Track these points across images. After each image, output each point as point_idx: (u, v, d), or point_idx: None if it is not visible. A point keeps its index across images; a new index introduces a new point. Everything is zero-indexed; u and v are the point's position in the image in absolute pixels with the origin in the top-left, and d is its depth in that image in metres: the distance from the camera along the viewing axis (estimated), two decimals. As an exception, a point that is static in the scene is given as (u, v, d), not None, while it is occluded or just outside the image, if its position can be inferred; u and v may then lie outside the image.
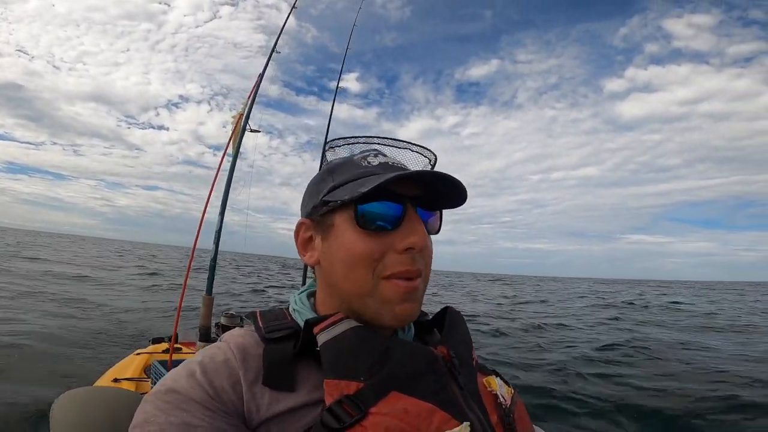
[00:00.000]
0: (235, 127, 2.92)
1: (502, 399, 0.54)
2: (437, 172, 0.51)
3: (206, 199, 2.67)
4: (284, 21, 3.53)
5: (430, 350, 0.51)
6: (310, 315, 0.54)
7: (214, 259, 2.80)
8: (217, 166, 2.79)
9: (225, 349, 0.49)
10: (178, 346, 2.68)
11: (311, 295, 0.61)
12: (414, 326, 0.62)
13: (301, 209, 0.60)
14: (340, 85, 3.86)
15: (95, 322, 6.23)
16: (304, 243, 0.58)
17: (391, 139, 0.66)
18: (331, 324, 0.50)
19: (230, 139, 2.92)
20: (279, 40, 3.37)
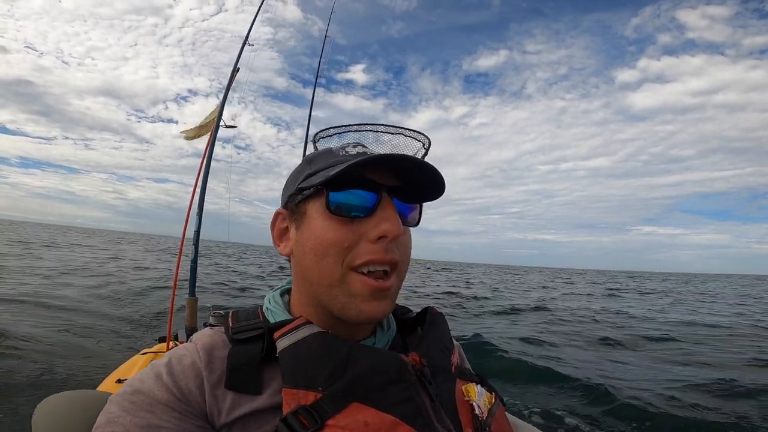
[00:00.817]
0: (211, 122, 2.86)
1: (478, 410, 0.51)
2: (407, 156, 0.49)
3: (191, 197, 2.62)
4: (256, 13, 3.44)
5: (398, 357, 0.48)
6: (283, 314, 0.54)
7: (194, 261, 2.75)
8: (200, 165, 2.72)
9: (192, 350, 0.49)
10: (179, 344, 2.66)
11: (286, 292, 0.59)
12: (397, 324, 0.60)
13: (281, 200, 0.59)
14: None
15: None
16: (279, 233, 0.56)
17: (382, 125, 0.64)
18: (292, 329, 0.48)
19: (209, 137, 2.86)
20: (251, 33, 3.29)
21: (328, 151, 0.55)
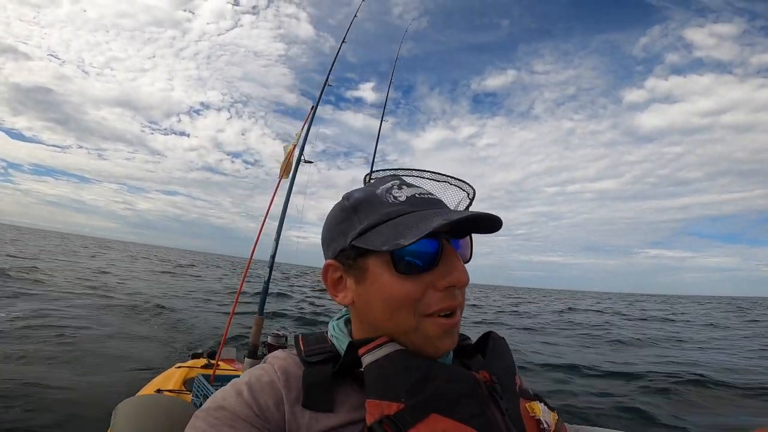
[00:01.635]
0: (289, 158, 3.08)
1: (545, 425, 0.54)
2: (476, 215, 0.50)
3: (260, 227, 2.85)
4: (335, 55, 3.69)
5: (471, 374, 0.52)
6: (347, 341, 0.55)
7: (267, 282, 2.99)
8: (271, 197, 2.95)
9: (270, 370, 0.52)
10: (212, 361, 2.85)
11: (348, 322, 0.61)
12: (458, 350, 0.62)
13: (324, 246, 0.59)
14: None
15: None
16: (334, 284, 0.57)
17: (430, 172, 0.66)
18: (376, 347, 0.51)
19: (282, 170, 3.08)
20: (331, 72, 3.55)
21: (374, 198, 0.54)
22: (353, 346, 0.52)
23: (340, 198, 0.59)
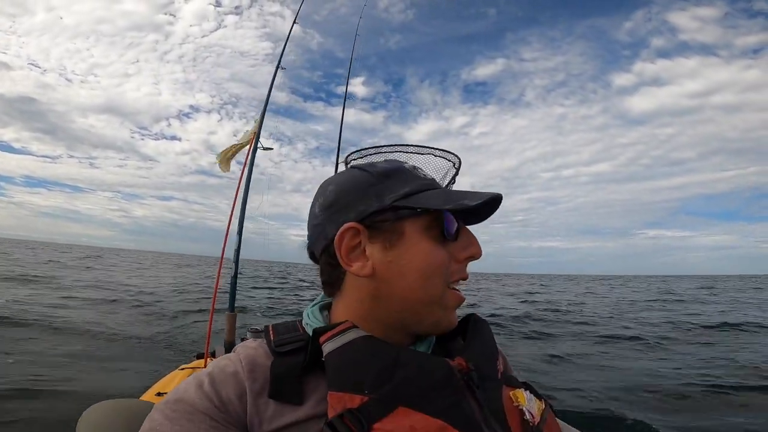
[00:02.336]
0: (249, 146, 2.98)
1: (529, 416, 0.49)
2: (496, 196, 0.52)
3: (229, 217, 2.75)
4: (287, 37, 3.57)
5: (445, 362, 0.48)
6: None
7: (234, 276, 2.90)
8: (237, 187, 2.86)
9: (234, 360, 0.49)
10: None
11: (324, 308, 0.58)
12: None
13: (335, 212, 0.53)
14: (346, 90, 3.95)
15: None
16: (350, 250, 0.51)
17: (413, 145, 0.65)
18: (338, 333, 0.48)
19: (246, 158, 2.98)
20: (283, 56, 3.42)
21: (402, 169, 0.55)
22: (316, 334, 0.48)
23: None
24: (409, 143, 0.67)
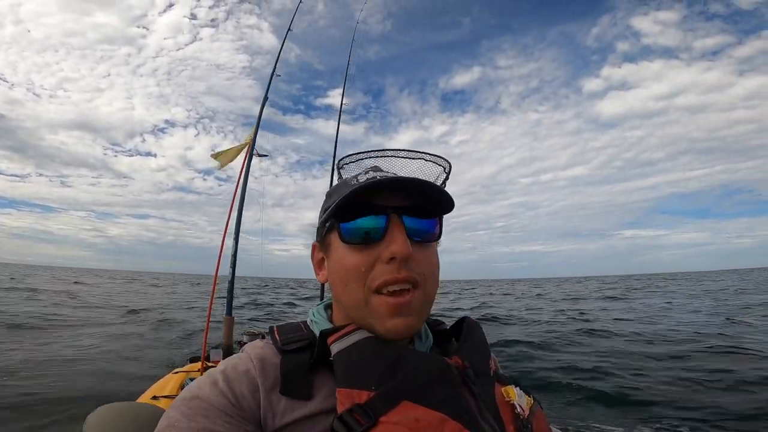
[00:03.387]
0: (246, 153, 3.02)
1: (520, 409, 0.54)
2: (400, 177, 0.53)
3: (225, 227, 2.78)
4: (281, 44, 3.64)
5: (443, 359, 0.52)
6: (327, 325, 0.57)
7: (231, 282, 2.93)
8: (233, 194, 2.89)
9: (245, 359, 0.53)
10: (211, 364, 2.81)
11: (328, 307, 0.63)
12: (433, 336, 0.63)
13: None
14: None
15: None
16: (318, 264, 0.62)
17: (404, 150, 0.66)
18: (345, 334, 0.52)
19: (243, 165, 3.02)
20: (277, 64, 3.49)
21: (344, 183, 0.59)
22: (323, 335, 0.53)
23: (320, 207, 0.64)
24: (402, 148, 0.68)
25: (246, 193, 3.02)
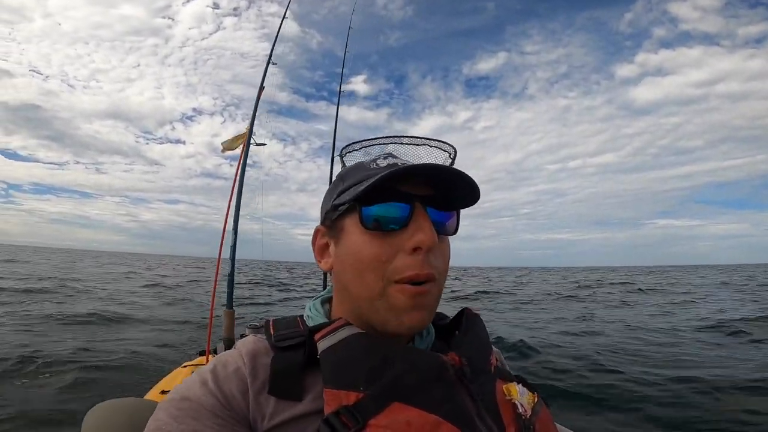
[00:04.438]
0: (243, 142, 2.98)
1: (521, 409, 0.50)
2: (437, 165, 0.49)
3: (225, 215, 2.74)
4: (277, 32, 3.56)
5: (438, 357, 0.48)
6: (323, 321, 0.54)
7: (231, 273, 2.88)
8: (233, 183, 2.84)
9: (236, 356, 0.50)
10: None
11: (326, 301, 0.60)
12: (435, 330, 0.60)
13: (320, 217, 0.59)
14: (347, 88, 3.97)
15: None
16: (320, 250, 0.58)
17: (407, 137, 0.63)
18: (332, 330, 0.49)
19: (241, 155, 2.98)
20: (274, 51, 3.42)
21: (359, 166, 0.56)
22: (312, 332, 0.49)
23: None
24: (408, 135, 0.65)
25: (246, 185, 2.97)
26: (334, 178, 0.59)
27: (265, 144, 3.14)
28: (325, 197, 0.59)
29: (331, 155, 3.41)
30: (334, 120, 3.71)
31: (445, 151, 0.63)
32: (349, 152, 0.66)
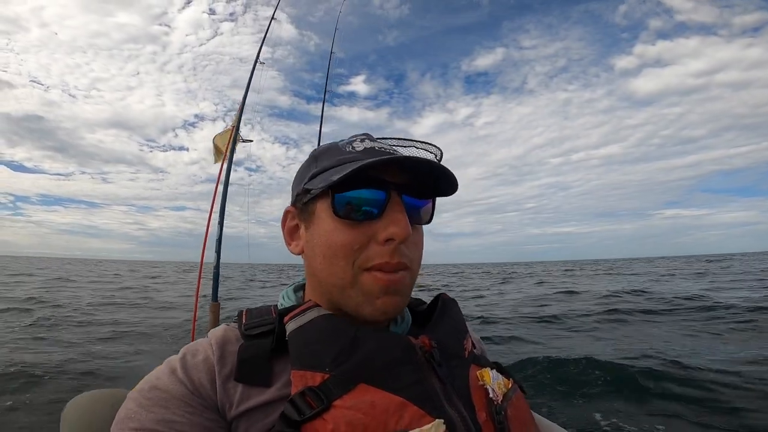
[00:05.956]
0: (229, 139, 3.02)
1: (492, 394, 0.49)
2: (418, 157, 0.49)
3: (209, 212, 2.77)
4: (265, 32, 3.64)
5: (406, 339, 0.48)
6: None
7: (216, 267, 2.92)
8: (217, 180, 2.88)
9: (206, 345, 0.50)
10: None
11: (300, 288, 0.60)
12: (413, 316, 0.60)
13: (291, 197, 0.58)
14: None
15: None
16: (290, 232, 0.57)
17: (394, 138, 0.63)
18: (300, 312, 0.49)
19: (225, 152, 3.02)
20: (261, 52, 3.49)
21: (334, 147, 0.55)
22: (281, 315, 0.50)
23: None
24: (412, 137, 0.60)
25: (227, 192, 3.01)
26: (306, 161, 0.58)
27: (251, 141, 3.19)
28: (296, 176, 0.58)
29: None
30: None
31: (431, 153, 0.61)
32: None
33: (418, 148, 0.62)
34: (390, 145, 0.59)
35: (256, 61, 3.42)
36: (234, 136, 3.11)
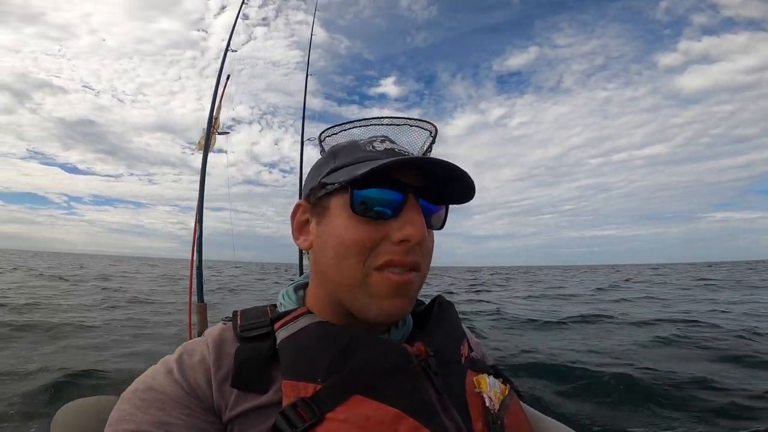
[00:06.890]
0: (210, 132, 2.93)
1: (489, 402, 0.48)
2: (440, 159, 0.47)
3: (197, 208, 2.66)
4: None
5: (402, 347, 0.47)
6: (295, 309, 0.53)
7: (199, 267, 2.81)
8: (200, 174, 2.77)
9: (202, 345, 0.49)
10: None
11: (301, 287, 0.58)
12: (413, 320, 0.59)
13: (303, 192, 0.57)
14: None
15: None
16: (300, 226, 0.55)
17: (387, 117, 0.63)
18: (292, 319, 0.48)
19: (203, 144, 2.92)
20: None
21: (354, 145, 0.54)
22: (273, 322, 0.49)
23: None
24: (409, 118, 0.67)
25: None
26: (321, 157, 0.57)
27: (227, 132, 3.08)
28: (311, 171, 0.57)
29: (300, 139, 3.40)
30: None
31: (425, 129, 0.62)
32: (329, 136, 0.65)
33: (411, 125, 0.62)
34: (385, 124, 0.62)
35: (227, 49, 3.28)
36: (207, 131, 2.98)
